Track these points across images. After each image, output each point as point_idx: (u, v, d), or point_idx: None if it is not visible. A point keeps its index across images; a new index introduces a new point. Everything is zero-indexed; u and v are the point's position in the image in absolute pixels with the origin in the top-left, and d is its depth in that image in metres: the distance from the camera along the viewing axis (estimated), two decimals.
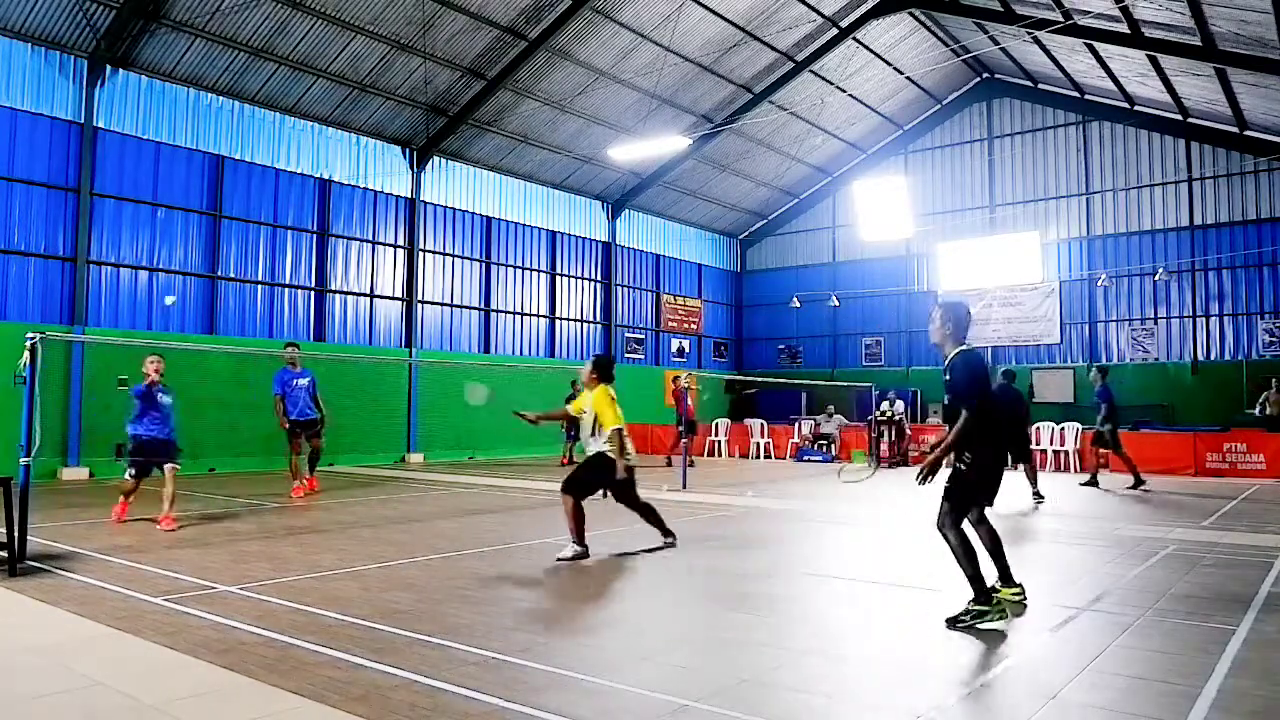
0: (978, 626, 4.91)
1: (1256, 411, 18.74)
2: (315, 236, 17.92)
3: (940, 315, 5.59)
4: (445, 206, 20.43)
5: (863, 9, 20.46)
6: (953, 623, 4.95)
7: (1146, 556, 7.33)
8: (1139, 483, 13.22)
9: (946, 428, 5.26)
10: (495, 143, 20.55)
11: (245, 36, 15.41)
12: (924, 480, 5.12)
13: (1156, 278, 22.14)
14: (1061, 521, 9.79)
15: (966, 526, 5.23)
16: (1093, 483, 13.76)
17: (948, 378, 5.34)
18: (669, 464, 17.72)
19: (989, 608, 4.97)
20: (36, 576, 6.10)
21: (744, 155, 24.82)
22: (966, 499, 5.20)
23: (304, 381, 11.26)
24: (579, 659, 4.34)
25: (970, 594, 5.02)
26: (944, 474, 5.22)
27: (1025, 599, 5.34)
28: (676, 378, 19.81)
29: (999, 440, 5.32)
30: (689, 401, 17.41)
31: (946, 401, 5.34)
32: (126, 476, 8.87)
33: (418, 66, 17.48)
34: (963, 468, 5.13)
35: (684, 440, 15.33)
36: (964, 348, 5.42)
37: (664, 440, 20.22)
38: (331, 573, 6.39)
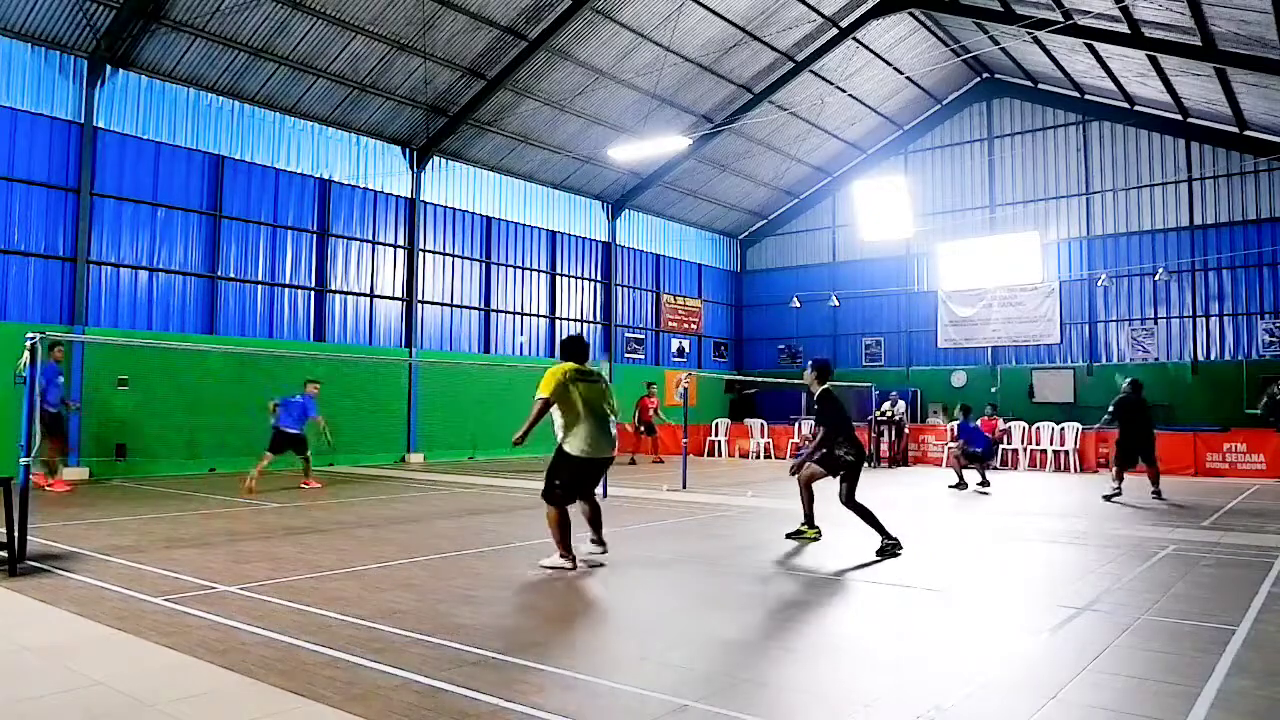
0: (894, 553, 7.28)
1: (1260, 411, 18.71)
2: (315, 236, 17.92)
3: (812, 367, 8.21)
4: (445, 206, 20.42)
5: (863, 9, 20.46)
6: (880, 553, 7.29)
7: (1146, 556, 7.33)
8: (960, 485, 13.76)
9: (819, 434, 7.92)
10: (495, 143, 20.55)
11: (245, 36, 15.41)
12: (795, 472, 8.04)
13: (1156, 278, 22.13)
14: (1061, 521, 9.79)
15: (817, 487, 8.09)
16: (961, 484, 13.96)
17: (817, 407, 7.96)
18: (633, 462, 18.66)
19: (894, 542, 7.38)
20: (36, 576, 6.10)
21: (744, 155, 24.82)
22: (856, 477, 7.74)
23: (60, 380, 12.11)
24: (579, 659, 4.34)
25: (879, 539, 7.46)
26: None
27: (819, 537, 8.19)
28: (651, 384, 20.28)
29: (857, 441, 7.91)
30: (652, 407, 18.80)
31: (816, 420, 8.06)
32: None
33: (418, 66, 17.47)
34: (850, 459, 7.70)
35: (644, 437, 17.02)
36: (827, 386, 8.03)
37: (664, 441, 20.27)
38: (331, 573, 6.39)
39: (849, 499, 7.65)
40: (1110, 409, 12.57)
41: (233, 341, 16.00)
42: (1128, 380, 12.85)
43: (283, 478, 13.35)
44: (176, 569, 6.44)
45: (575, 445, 6.55)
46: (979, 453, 14.09)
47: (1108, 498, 11.84)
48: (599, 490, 7.33)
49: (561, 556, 6.63)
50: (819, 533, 8.21)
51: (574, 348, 6.89)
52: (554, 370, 6.62)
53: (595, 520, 6.99)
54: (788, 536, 8.25)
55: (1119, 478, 12.07)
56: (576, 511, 6.84)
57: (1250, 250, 21.14)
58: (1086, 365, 23.02)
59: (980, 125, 25.29)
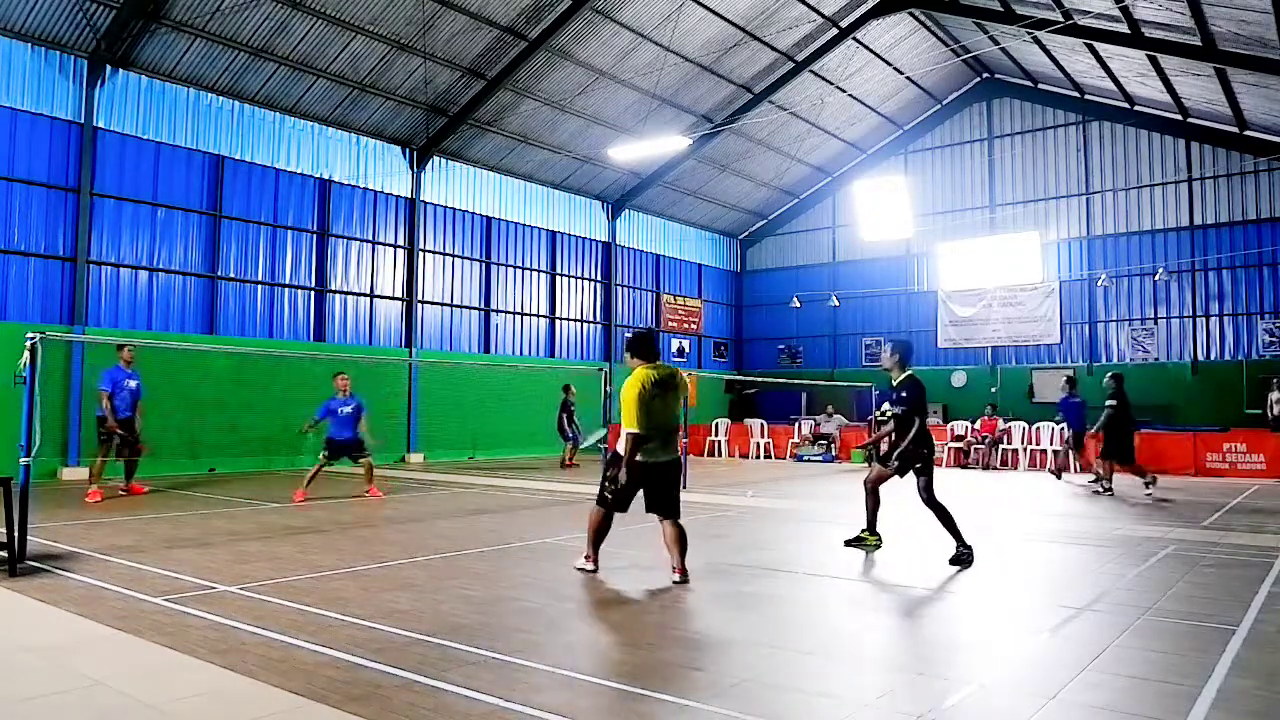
0: (968, 563, 6.82)
1: (1268, 414, 18.72)
2: (315, 236, 17.92)
3: (892, 350, 7.53)
4: (445, 206, 20.42)
5: (863, 9, 20.46)
6: (954, 561, 6.81)
7: (1146, 556, 7.33)
8: (1057, 475, 15.41)
9: (893, 426, 7.38)
10: (495, 143, 20.55)
11: (245, 36, 15.41)
12: (882, 459, 7.37)
13: (1156, 278, 22.13)
14: (1061, 521, 9.79)
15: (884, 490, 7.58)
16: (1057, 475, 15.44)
17: (903, 394, 7.23)
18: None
19: (969, 550, 6.88)
20: (36, 576, 6.10)
21: (744, 155, 24.82)
22: (931, 471, 7.20)
23: (133, 383, 11.37)
24: (579, 659, 4.34)
25: (954, 542, 6.99)
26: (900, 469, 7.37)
27: (881, 544, 7.58)
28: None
29: (929, 433, 7.33)
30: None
31: (901, 411, 7.23)
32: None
33: (418, 66, 17.47)
34: (925, 451, 7.17)
35: None
36: (910, 372, 7.40)
37: None
38: (331, 573, 6.39)
39: (929, 495, 7.05)
40: (1110, 405, 12.38)
41: (233, 341, 15.99)
42: (1110, 375, 12.76)
43: (280, 478, 13.33)
44: (176, 569, 6.43)
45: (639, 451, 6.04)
46: (1074, 433, 14.18)
47: (1097, 492, 12.60)
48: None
49: (586, 558, 6.46)
50: (880, 540, 7.55)
51: (644, 346, 6.19)
52: (631, 387, 5.97)
53: (674, 544, 6.17)
54: (846, 544, 7.63)
55: (1109, 473, 12.70)
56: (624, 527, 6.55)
57: (1250, 250, 21.14)
58: (1087, 365, 23.01)
59: (980, 125, 25.29)
